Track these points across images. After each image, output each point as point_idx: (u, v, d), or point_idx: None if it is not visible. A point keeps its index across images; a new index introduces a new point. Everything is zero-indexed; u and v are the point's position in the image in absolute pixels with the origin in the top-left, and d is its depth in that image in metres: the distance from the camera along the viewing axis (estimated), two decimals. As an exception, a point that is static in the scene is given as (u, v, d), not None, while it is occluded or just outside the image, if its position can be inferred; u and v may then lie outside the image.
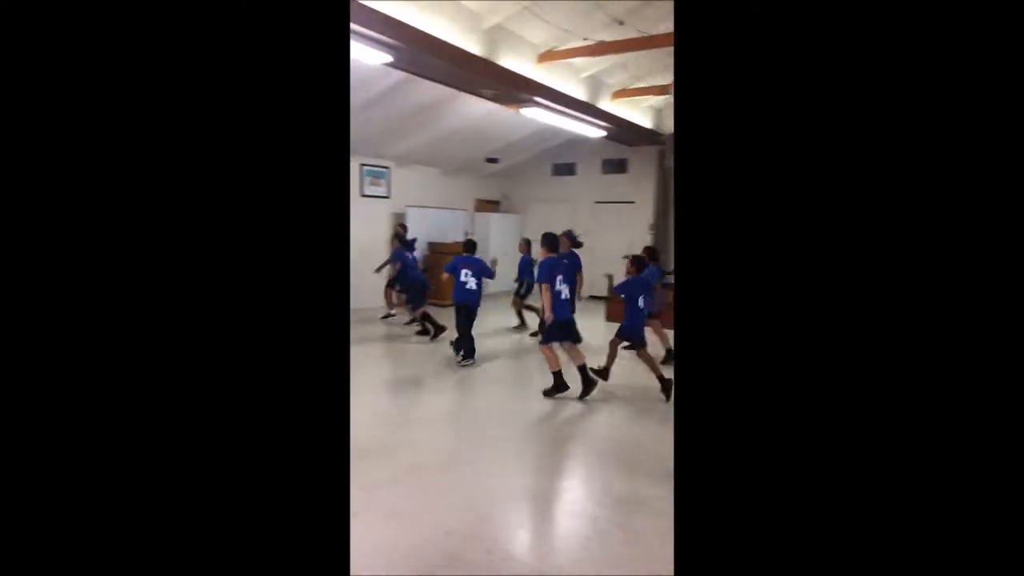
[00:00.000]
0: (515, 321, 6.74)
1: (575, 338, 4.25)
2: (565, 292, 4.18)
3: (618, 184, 9.54)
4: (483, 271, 4.98)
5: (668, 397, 4.07)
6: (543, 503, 2.67)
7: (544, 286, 4.07)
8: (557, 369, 4.09)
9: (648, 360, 4.18)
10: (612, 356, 4.36)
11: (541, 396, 4.16)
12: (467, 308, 4.92)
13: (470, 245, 5.19)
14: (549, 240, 4.22)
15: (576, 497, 2.76)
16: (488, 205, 10.28)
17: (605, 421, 3.77)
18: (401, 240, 6.58)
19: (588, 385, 4.07)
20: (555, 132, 7.82)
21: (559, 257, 4.29)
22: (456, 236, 9.00)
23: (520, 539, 2.35)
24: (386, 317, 7.04)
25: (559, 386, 4.10)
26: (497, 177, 10.19)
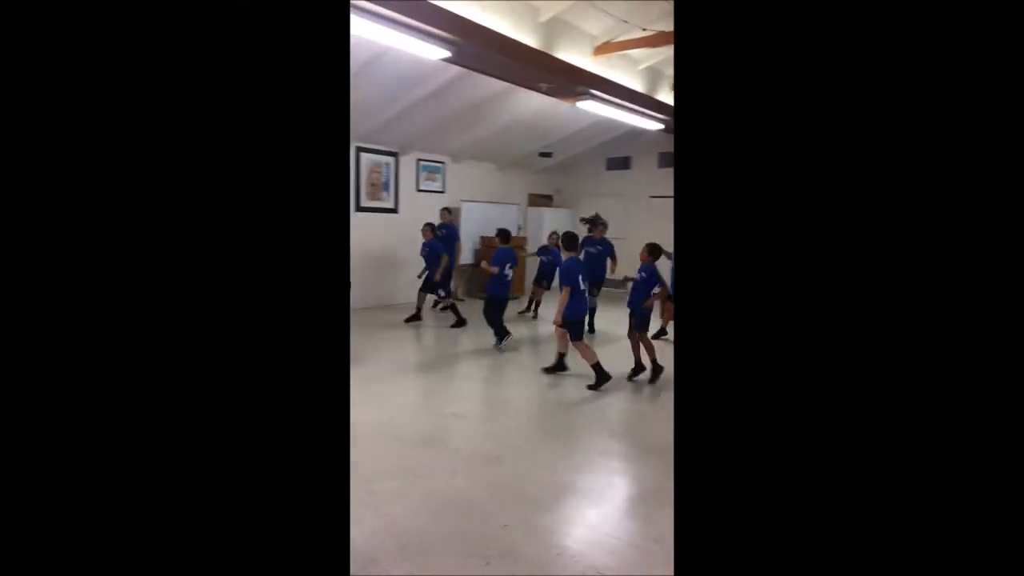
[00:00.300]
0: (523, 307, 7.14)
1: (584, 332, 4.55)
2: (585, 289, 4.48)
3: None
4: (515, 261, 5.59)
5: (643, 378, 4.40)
6: (597, 497, 2.64)
7: (566, 289, 4.26)
8: (595, 361, 4.23)
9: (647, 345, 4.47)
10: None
11: (578, 384, 4.15)
12: (504, 300, 5.46)
13: (506, 235, 5.68)
14: (570, 240, 4.45)
15: (630, 495, 2.72)
16: (541, 199, 10.25)
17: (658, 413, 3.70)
18: (433, 230, 6.67)
19: (559, 368, 4.56)
20: (611, 125, 7.70)
21: (589, 251, 4.66)
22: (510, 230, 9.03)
23: (577, 535, 2.33)
24: (437, 304, 7.19)
25: (601, 377, 4.22)
26: (551, 172, 10.14)
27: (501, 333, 5.43)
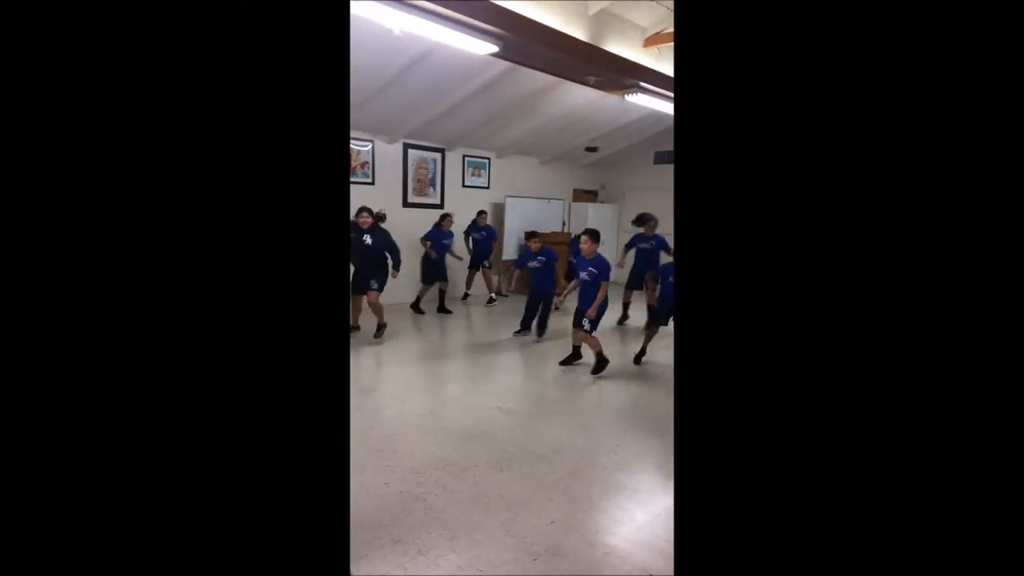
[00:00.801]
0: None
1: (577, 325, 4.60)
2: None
3: (725, 172, 9.05)
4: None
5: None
6: (647, 495, 2.60)
7: (604, 285, 4.37)
8: (598, 349, 4.45)
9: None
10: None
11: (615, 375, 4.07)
12: (549, 295, 5.52)
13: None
14: (595, 235, 4.53)
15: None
16: (586, 195, 10.16)
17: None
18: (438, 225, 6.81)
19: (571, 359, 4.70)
20: (659, 118, 7.55)
21: (642, 247, 4.78)
22: (554, 225, 8.98)
23: (622, 533, 2.30)
24: (489, 302, 7.31)
25: (601, 363, 4.44)
26: (596, 166, 10.03)
27: (541, 327, 5.63)
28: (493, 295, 7.49)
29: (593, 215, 9.47)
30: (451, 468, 2.78)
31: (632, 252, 6.50)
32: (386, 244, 5.27)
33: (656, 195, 9.60)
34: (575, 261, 4.98)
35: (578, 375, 4.51)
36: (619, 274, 6.21)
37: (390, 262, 5.37)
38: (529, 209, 8.62)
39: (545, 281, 5.49)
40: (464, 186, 8.02)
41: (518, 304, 6.40)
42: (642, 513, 2.48)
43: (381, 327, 5.32)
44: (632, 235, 6.54)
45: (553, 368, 4.69)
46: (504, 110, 6.71)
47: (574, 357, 4.71)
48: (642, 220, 6.30)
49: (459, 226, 7.22)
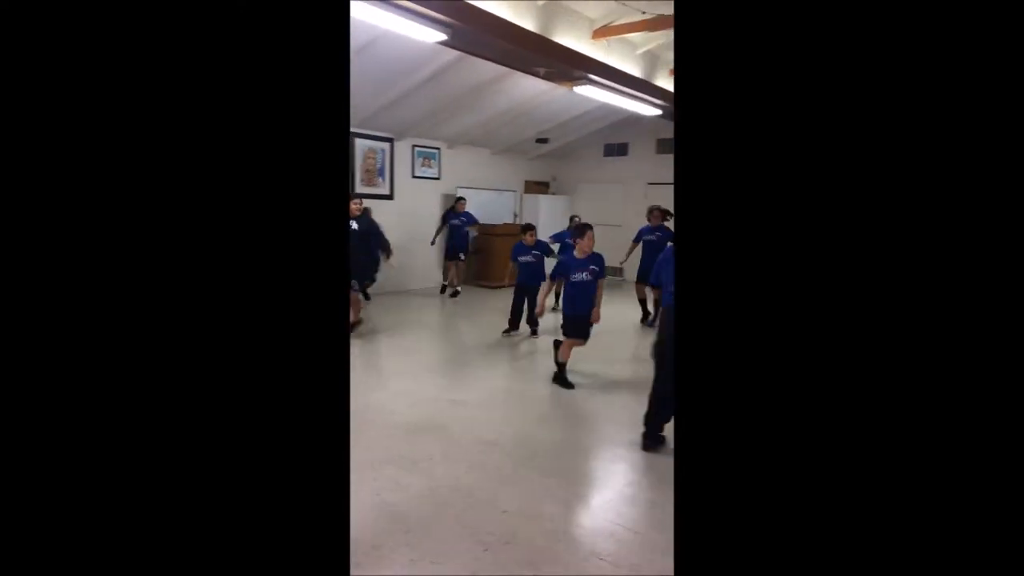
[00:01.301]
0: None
1: (569, 331, 3.99)
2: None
3: (672, 164, 9.26)
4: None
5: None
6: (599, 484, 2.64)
7: (601, 283, 3.88)
8: (566, 361, 4.00)
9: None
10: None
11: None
12: (536, 291, 5.14)
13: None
14: (579, 229, 4.02)
15: (631, 481, 2.72)
16: (537, 186, 10.20)
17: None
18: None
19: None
20: (608, 111, 7.64)
21: (649, 239, 4.26)
22: (505, 217, 8.98)
23: (578, 521, 2.33)
24: (453, 295, 7.30)
25: (560, 375, 4.00)
26: (547, 158, 10.08)
27: (534, 323, 5.42)
28: (458, 288, 7.48)
29: (545, 207, 9.53)
30: (402, 462, 2.75)
31: (639, 246, 6.16)
32: (371, 232, 5.19)
33: (607, 187, 9.75)
34: (563, 259, 4.45)
35: (546, 369, 4.53)
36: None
37: (382, 256, 5.32)
38: (481, 200, 8.59)
39: (536, 277, 5.25)
40: (414, 176, 7.91)
41: (476, 296, 6.37)
42: (596, 498, 2.52)
43: (355, 324, 5.19)
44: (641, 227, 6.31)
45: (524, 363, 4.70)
46: (454, 100, 6.64)
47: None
48: (650, 211, 6.23)
49: (421, 217, 7.12)
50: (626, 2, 5.03)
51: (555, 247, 5.84)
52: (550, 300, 6.32)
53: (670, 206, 8.86)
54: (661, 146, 9.41)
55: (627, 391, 3.92)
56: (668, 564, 2.00)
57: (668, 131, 8.94)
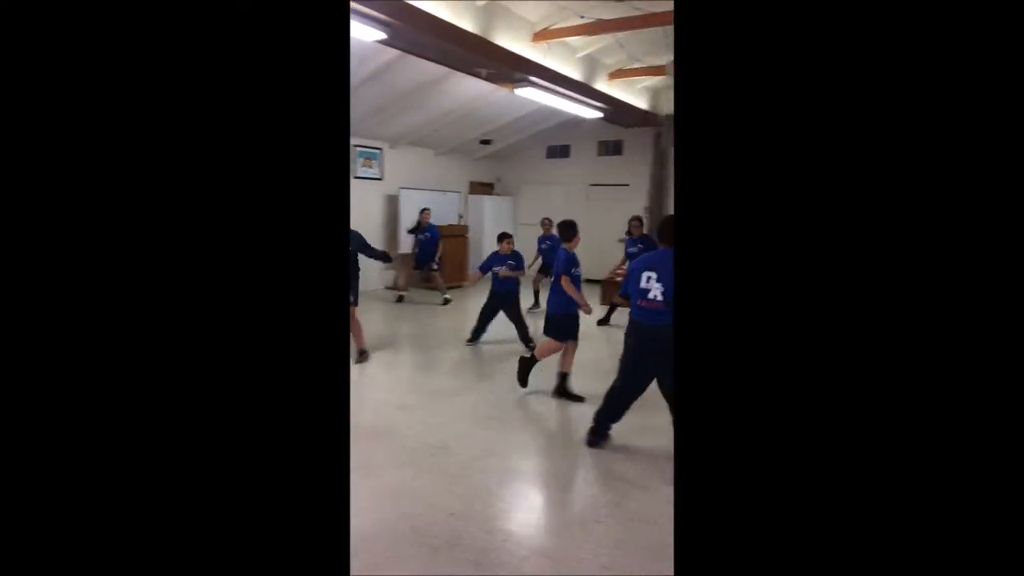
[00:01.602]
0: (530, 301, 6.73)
1: (555, 333, 3.78)
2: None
3: (613, 166, 9.47)
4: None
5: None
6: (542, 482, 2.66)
7: (564, 278, 3.68)
8: (531, 358, 3.82)
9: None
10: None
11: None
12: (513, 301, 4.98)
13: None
14: (566, 228, 3.85)
15: (574, 478, 2.76)
16: (482, 187, 10.21)
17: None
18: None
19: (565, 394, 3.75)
20: (550, 113, 7.73)
21: (631, 251, 4.00)
22: (450, 219, 8.93)
23: (521, 519, 2.35)
24: (445, 303, 7.14)
25: (523, 374, 3.81)
26: (491, 159, 10.11)
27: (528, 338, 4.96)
28: (447, 296, 7.22)
29: (490, 208, 9.54)
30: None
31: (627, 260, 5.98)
32: (356, 242, 4.65)
33: (550, 188, 9.87)
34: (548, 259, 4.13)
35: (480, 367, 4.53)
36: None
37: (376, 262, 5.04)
38: (425, 201, 8.52)
39: (511, 285, 4.97)
40: (356, 177, 7.76)
41: (424, 298, 6.28)
42: (539, 497, 2.55)
43: (362, 352, 4.53)
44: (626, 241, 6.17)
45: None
46: (395, 99, 6.56)
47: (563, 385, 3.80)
48: (631, 221, 5.95)
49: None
50: (564, 6, 5.11)
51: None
52: (528, 300, 6.29)
53: (610, 208, 9.07)
54: (602, 148, 9.60)
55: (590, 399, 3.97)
56: (612, 557, 2.05)
57: (609, 134, 9.14)
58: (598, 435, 3.00)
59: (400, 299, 7.28)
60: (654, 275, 2.69)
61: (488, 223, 9.31)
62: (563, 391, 3.74)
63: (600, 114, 7.40)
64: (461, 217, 9.35)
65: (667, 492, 2.44)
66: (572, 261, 3.73)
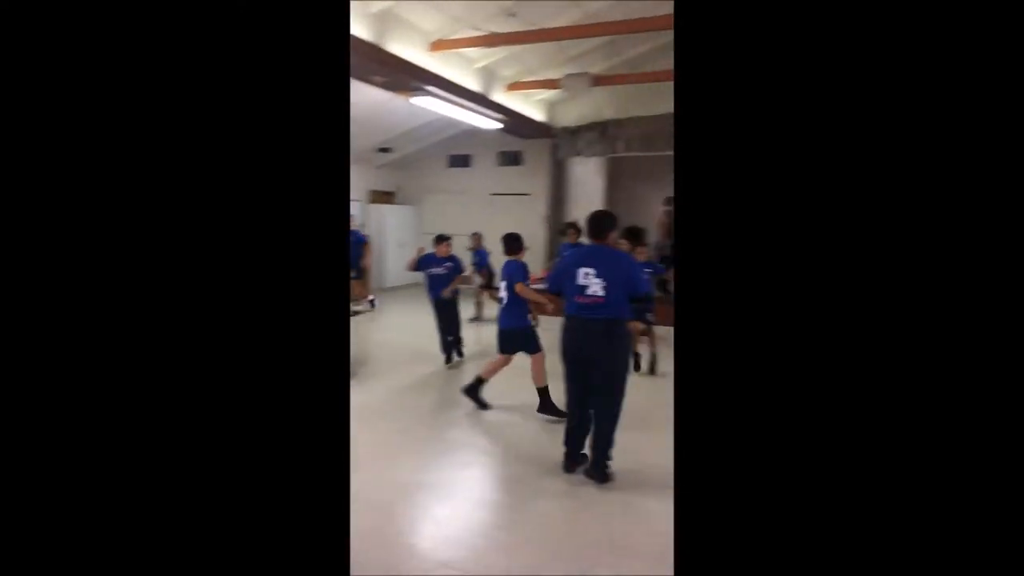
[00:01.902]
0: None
1: (519, 347, 3.65)
2: (504, 299, 3.63)
3: (513, 176, 9.65)
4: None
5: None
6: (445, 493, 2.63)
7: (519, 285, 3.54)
8: (478, 380, 3.71)
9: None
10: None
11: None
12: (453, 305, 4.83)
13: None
14: (511, 241, 3.75)
15: (477, 486, 2.75)
16: (383, 196, 10.00)
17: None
18: None
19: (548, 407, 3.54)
20: (449, 123, 7.75)
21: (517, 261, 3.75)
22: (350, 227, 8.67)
23: (426, 532, 2.30)
24: (356, 314, 6.82)
25: (473, 391, 3.69)
26: (392, 167, 9.94)
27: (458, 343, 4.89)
28: (371, 300, 7.11)
29: (391, 217, 9.38)
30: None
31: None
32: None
33: (452, 197, 9.86)
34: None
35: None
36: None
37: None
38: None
39: (445, 283, 4.76)
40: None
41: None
42: (441, 509, 2.53)
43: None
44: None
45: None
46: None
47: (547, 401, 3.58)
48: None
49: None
50: (459, 18, 5.15)
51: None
52: (469, 311, 6.05)
53: (511, 217, 9.22)
54: (501, 158, 9.75)
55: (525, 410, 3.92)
56: (514, 562, 2.07)
57: (509, 144, 9.31)
58: (573, 460, 2.77)
59: (371, 305, 7.06)
60: (592, 271, 2.63)
61: (390, 232, 9.13)
62: (547, 407, 3.55)
63: (499, 125, 7.53)
64: (362, 225, 9.10)
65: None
66: (525, 269, 3.66)
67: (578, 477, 2.73)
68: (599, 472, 2.67)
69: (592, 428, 2.71)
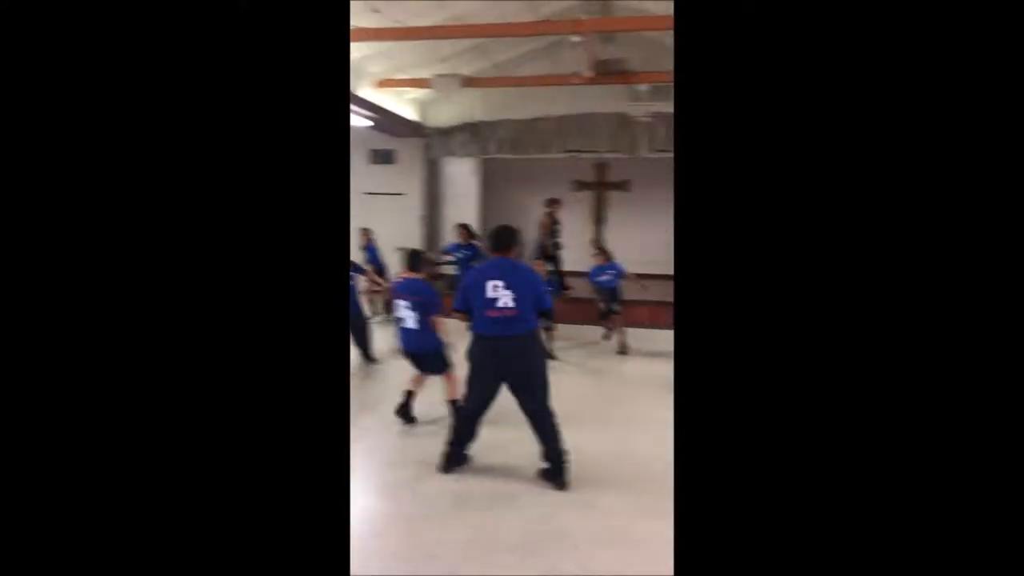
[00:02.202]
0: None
1: (433, 369, 3.56)
2: (411, 320, 3.44)
3: (387, 175, 9.42)
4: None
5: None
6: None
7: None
8: (408, 394, 3.58)
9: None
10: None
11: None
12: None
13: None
14: (412, 258, 3.68)
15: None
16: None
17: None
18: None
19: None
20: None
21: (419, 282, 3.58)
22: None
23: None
24: None
25: (404, 409, 3.56)
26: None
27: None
28: None
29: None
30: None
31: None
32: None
33: (375, 197, 9.34)
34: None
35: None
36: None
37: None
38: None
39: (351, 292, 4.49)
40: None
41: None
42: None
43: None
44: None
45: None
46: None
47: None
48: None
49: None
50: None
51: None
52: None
53: (388, 216, 9.02)
54: (374, 156, 9.49)
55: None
56: (419, 563, 2.04)
57: (380, 142, 9.08)
58: (455, 460, 2.87)
59: None
60: (501, 283, 2.65)
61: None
62: (407, 411, 3.56)
63: (370, 122, 7.32)
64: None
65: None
66: (438, 299, 3.50)
67: (462, 477, 2.80)
68: (560, 475, 2.72)
69: (537, 437, 2.78)
